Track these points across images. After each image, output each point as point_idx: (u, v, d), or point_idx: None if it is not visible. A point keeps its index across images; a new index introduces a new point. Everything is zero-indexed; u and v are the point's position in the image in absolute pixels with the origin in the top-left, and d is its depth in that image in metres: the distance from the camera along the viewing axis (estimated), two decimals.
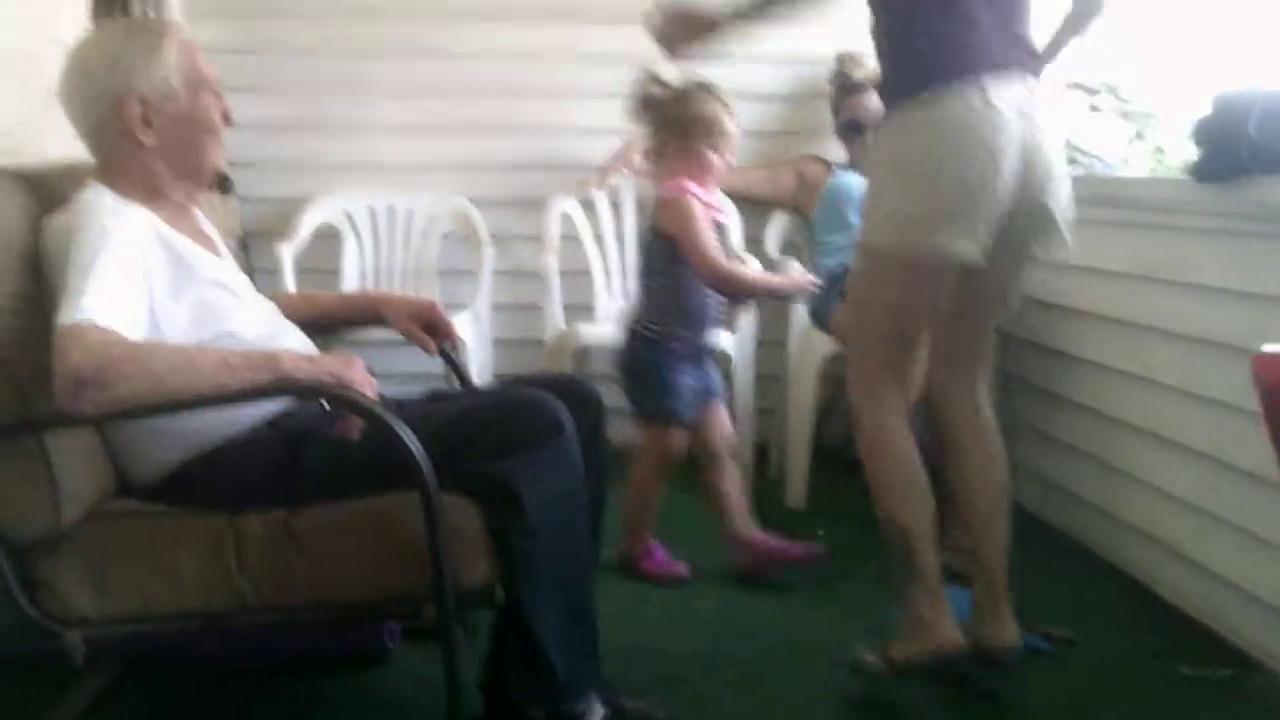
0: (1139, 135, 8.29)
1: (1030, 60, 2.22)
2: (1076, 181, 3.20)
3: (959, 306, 2.30)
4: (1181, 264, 2.72)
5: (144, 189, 2.00)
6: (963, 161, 2.10)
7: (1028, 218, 2.20)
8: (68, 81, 1.98)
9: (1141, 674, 2.50)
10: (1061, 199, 2.24)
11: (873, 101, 3.66)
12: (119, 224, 1.86)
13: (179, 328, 1.91)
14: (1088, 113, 7.67)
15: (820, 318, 3.40)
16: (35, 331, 1.82)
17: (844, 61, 3.82)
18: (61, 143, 2.67)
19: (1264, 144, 2.36)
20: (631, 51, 3.81)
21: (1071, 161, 5.30)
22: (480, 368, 3.71)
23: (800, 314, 3.61)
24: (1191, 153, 2.64)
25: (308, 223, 3.81)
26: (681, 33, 2.52)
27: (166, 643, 2.12)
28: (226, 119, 2.07)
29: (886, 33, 2.29)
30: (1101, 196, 3.04)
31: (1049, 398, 3.35)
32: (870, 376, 2.30)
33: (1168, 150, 6.62)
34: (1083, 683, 2.47)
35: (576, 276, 3.90)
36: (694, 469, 3.06)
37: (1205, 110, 2.52)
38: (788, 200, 3.90)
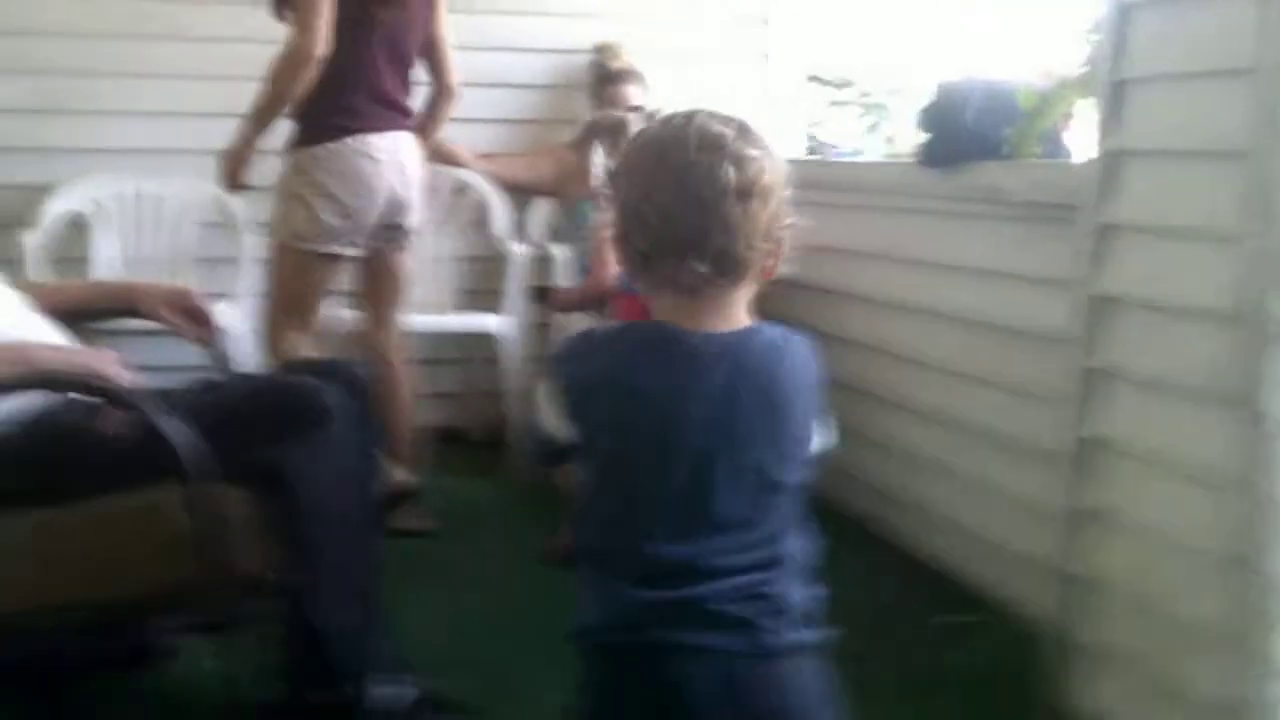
0: (873, 127, 8.81)
1: (405, 121, 3.08)
2: (817, 167, 3.46)
3: (369, 284, 3.26)
4: (911, 242, 2.94)
5: None
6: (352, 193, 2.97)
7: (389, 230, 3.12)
8: None
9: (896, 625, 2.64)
10: (411, 218, 3.15)
11: (629, 92, 3.80)
12: None
13: None
14: (829, 106, 8.10)
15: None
16: None
17: (602, 51, 3.94)
18: None
19: (980, 131, 2.59)
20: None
21: (812, 151, 5.62)
22: (246, 356, 3.62)
23: None
24: (919, 140, 2.86)
25: (53, 211, 3.63)
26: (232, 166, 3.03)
27: None
28: None
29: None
30: (838, 180, 3.26)
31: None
32: (278, 327, 3.12)
33: (897, 139, 7.10)
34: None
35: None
36: None
37: (929, 99, 2.74)
38: (548, 188, 3.98)
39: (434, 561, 2.96)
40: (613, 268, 2.78)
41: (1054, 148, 2.80)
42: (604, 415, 1.32)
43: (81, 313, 2.36)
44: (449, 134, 3.63)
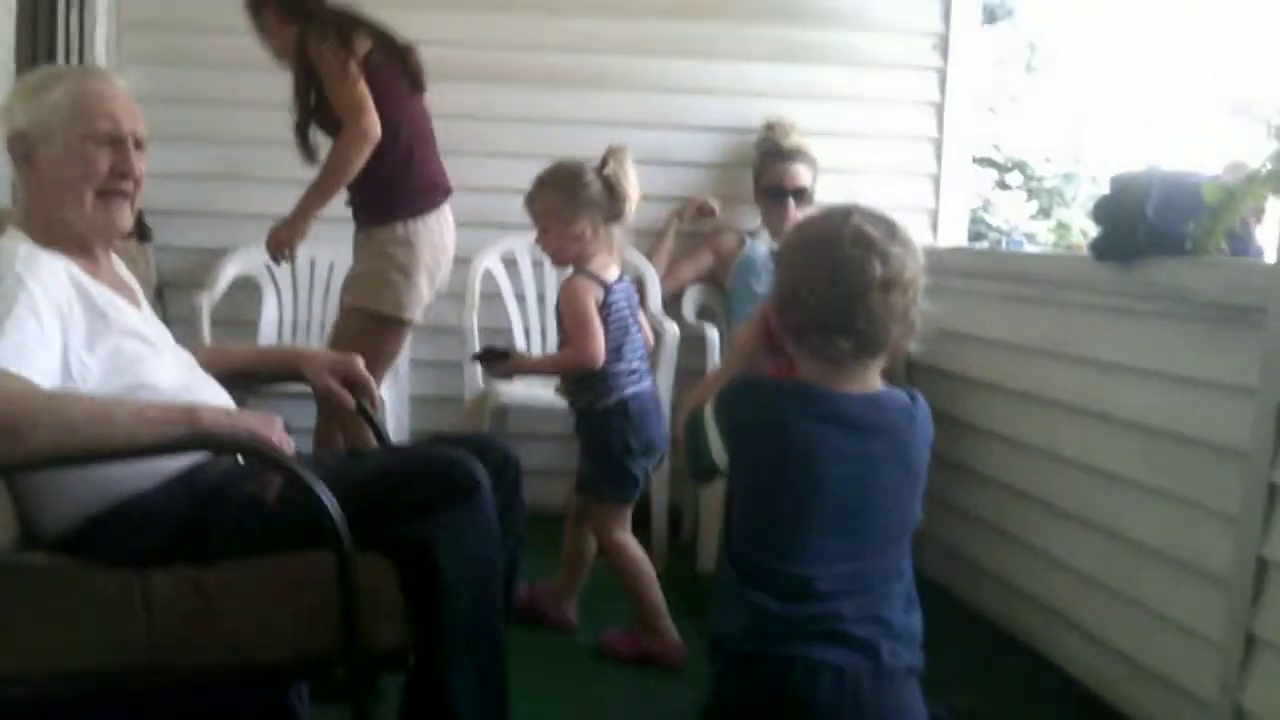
0: (1044, 211, 8.59)
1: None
2: (982, 256, 3.36)
3: None
4: (1083, 340, 2.81)
5: (53, 234, 1.99)
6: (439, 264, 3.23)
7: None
8: None
9: None
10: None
11: (797, 170, 3.77)
12: (33, 271, 1.85)
13: (93, 378, 1.89)
14: (996, 188, 7.95)
15: None
16: None
17: (772, 129, 3.93)
18: None
19: (1160, 226, 2.46)
20: (556, 115, 3.99)
21: (978, 236, 5.50)
22: (398, 425, 3.70)
23: None
24: (1090, 230, 2.73)
25: (226, 274, 3.78)
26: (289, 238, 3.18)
27: (68, 703, 2.07)
28: (123, 175, 2.01)
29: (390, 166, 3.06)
30: (1006, 271, 3.15)
31: (952, 468, 3.41)
32: None
33: (1071, 226, 6.88)
34: None
35: (497, 335, 3.91)
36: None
37: (1105, 190, 2.62)
38: (706, 275, 4.00)
39: (565, 645, 2.93)
40: (599, 344, 2.76)
41: (1241, 245, 2.66)
42: (757, 452, 1.60)
43: (248, 375, 2.44)
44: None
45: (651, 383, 2.93)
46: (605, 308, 2.79)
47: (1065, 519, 2.87)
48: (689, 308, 3.96)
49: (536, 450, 3.57)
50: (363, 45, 3.08)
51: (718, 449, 1.63)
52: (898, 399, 1.63)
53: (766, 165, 3.86)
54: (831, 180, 3.99)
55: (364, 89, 3.05)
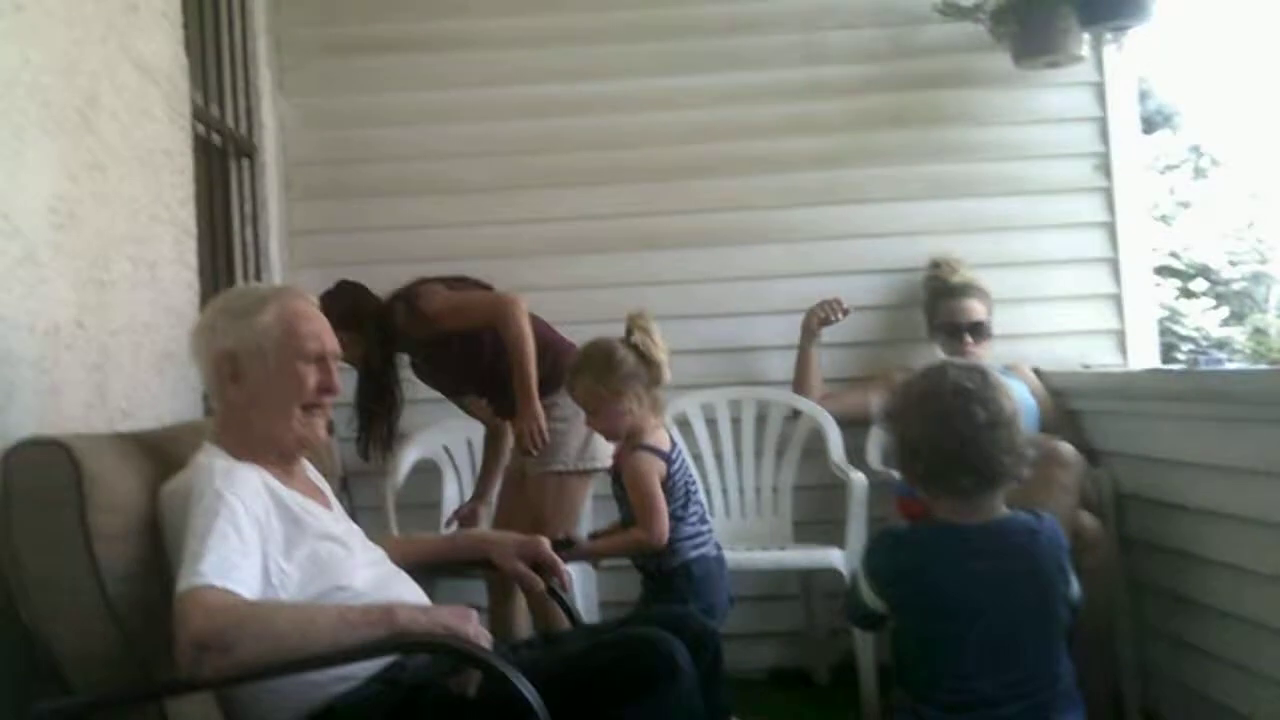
0: (1235, 316, 8.18)
1: None
2: (1182, 377, 3.17)
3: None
4: None
5: (251, 446, 2.05)
6: None
7: None
8: (195, 337, 2.11)
9: None
10: None
11: (970, 305, 3.68)
12: (231, 485, 1.89)
13: (292, 584, 1.92)
14: (1180, 297, 7.61)
15: None
16: (155, 598, 1.84)
17: (939, 266, 3.86)
18: (174, 404, 2.79)
19: None
20: (711, 274, 4.00)
21: (1169, 348, 5.26)
22: (585, 597, 3.65)
23: None
24: None
25: (408, 459, 3.84)
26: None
27: None
28: (327, 390, 2.10)
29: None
30: (1211, 391, 2.96)
31: (1179, 601, 3.19)
32: None
33: (1269, 331, 6.49)
34: None
35: None
36: None
37: None
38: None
39: None
40: (665, 521, 2.73)
41: None
42: (905, 596, 1.91)
43: (437, 564, 2.44)
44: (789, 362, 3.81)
45: (715, 545, 2.89)
46: (669, 478, 2.80)
47: None
48: (874, 454, 3.85)
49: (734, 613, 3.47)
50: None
51: (871, 598, 1.96)
52: (1021, 521, 1.93)
53: (938, 304, 3.79)
54: (1011, 310, 3.91)
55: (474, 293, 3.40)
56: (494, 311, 3.27)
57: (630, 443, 2.84)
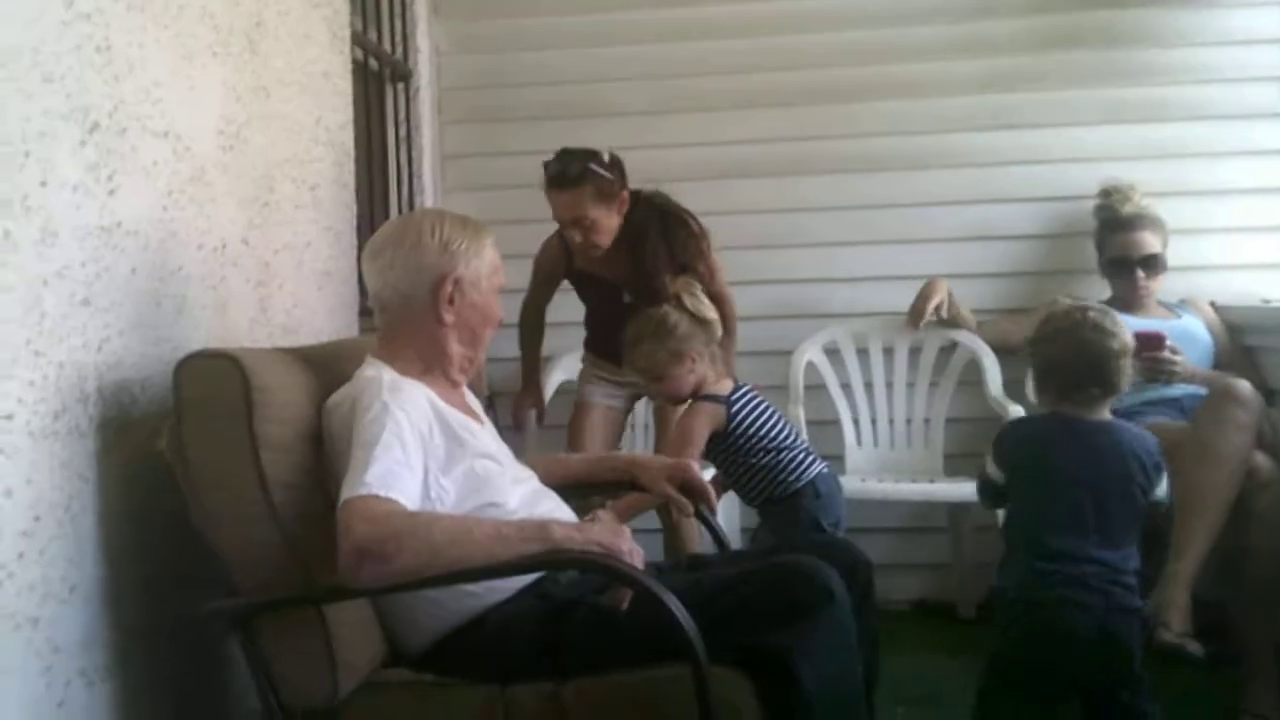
0: None
1: None
2: None
3: None
4: None
5: (424, 363, 2.09)
6: None
7: None
8: (395, 248, 2.09)
9: None
10: None
11: (1142, 238, 3.51)
12: (398, 399, 1.92)
13: (449, 499, 1.95)
14: None
15: None
16: (317, 507, 1.88)
17: (1110, 195, 3.68)
18: (331, 321, 2.85)
19: None
20: (871, 200, 3.92)
21: None
22: (727, 523, 3.63)
23: None
24: None
25: (552, 381, 3.88)
26: None
27: None
28: (500, 322, 2.20)
29: None
30: None
31: None
32: None
33: None
34: None
35: (825, 427, 3.82)
36: None
37: None
38: None
39: None
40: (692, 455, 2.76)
41: None
42: (1023, 461, 2.42)
43: (585, 485, 2.46)
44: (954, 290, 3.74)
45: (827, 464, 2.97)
46: (733, 420, 2.85)
47: None
48: (1031, 389, 3.72)
49: (875, 544, 3.42)
50: None
51: (994, 470, 2.46)
52: (1119, 425, 2.43)
53: (1107, 235, 3.61)
54: (1187, 241, 3.72)
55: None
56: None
57: (696, 397, 2.90)
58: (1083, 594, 2.22)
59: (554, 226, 3.48)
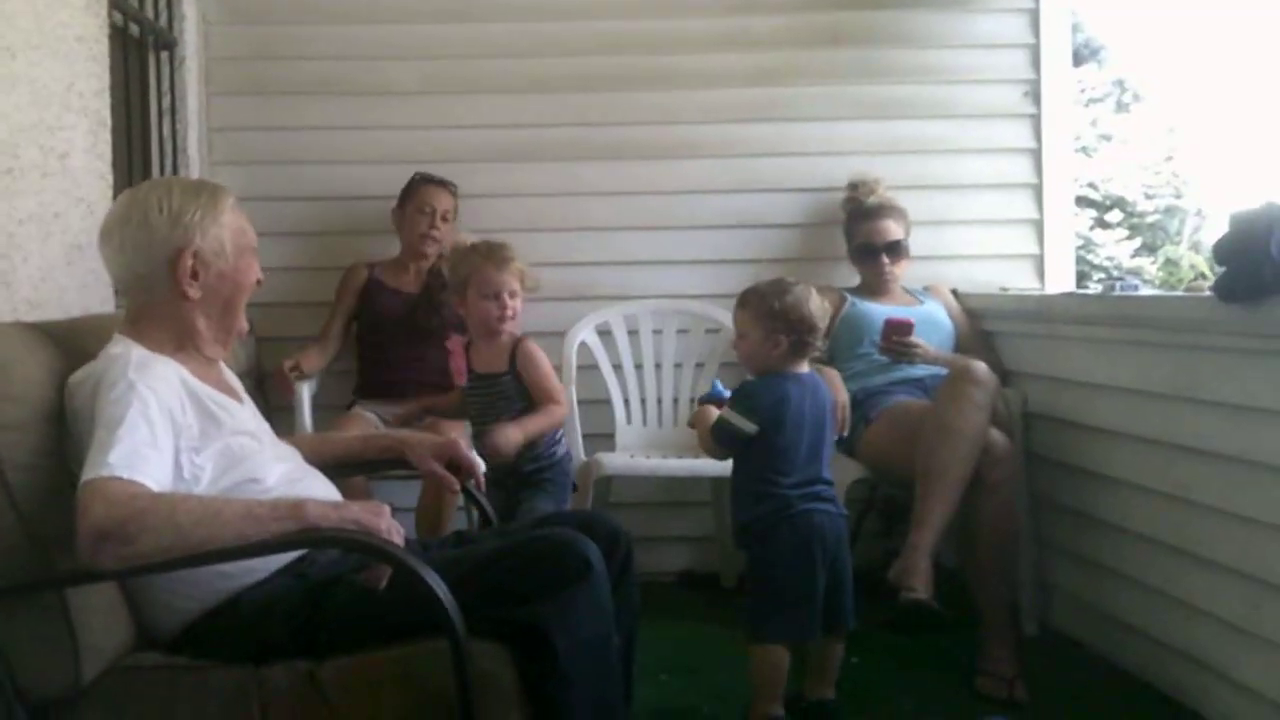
0: (1147, 248, 8.34)
1: None
2: (1098, 301, 3.26)
3: None
4: (1214, 383, 2.68)
5: (175, 340, 2.03)
6: None
7: None
8: (122, 229, 2.01)
9: None
10: None
11: (885, 226, 3.71)
12: (146, 377, 1.86)
13: (205, 477, 1.91)
14: (1095, 227, 7.75)
15: (846, 442, 3.37)
16: (58, 489, 1.81)
17: (857, 187, 3.87)
18: (82, 297, 2.73)
19: None
20: (640, 186, 4.00)
21: (1081, 276, 5.33)
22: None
23: None
24: (1200, 266, 2.63)
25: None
26: None
27: None
28: (259, 283, 2.14)
29: None
30: (1125, 316, 3.03)
31: (1080, 518, 3.29)
32: None
33: (1181, 263, 6.64)
34: None
35: (596, 405, 3.89)
36: None
37: (1224, 229, 2.51)
38: None
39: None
40: None
41: None
42: (777, 415, 2.63)
43: (352, 463, 2.44)
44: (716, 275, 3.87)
45: None
46: None
47: (1205, 566, 2.74)
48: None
49: (638, 517, 3.52)
50: None
51: (744, 423, 2.63)
52: (813, 373, 2.76)
53: (855, 224, 3.81)
54: (932, 232, 3.95)
55: None
56: None
57: None
58: (825, 504, 2.63)
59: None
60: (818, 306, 2.68)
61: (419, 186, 3.79)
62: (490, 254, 3.08)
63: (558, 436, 3.15)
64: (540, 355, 3.10)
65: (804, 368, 2.71)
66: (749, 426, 2.62)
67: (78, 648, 1.81)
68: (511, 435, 2.95)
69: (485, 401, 3.11)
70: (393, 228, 3.86)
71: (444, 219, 3.77)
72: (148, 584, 1.91)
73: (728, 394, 2.78)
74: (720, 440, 2.68)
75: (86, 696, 1.84)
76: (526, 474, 3.01)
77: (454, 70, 4.03)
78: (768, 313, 2.65)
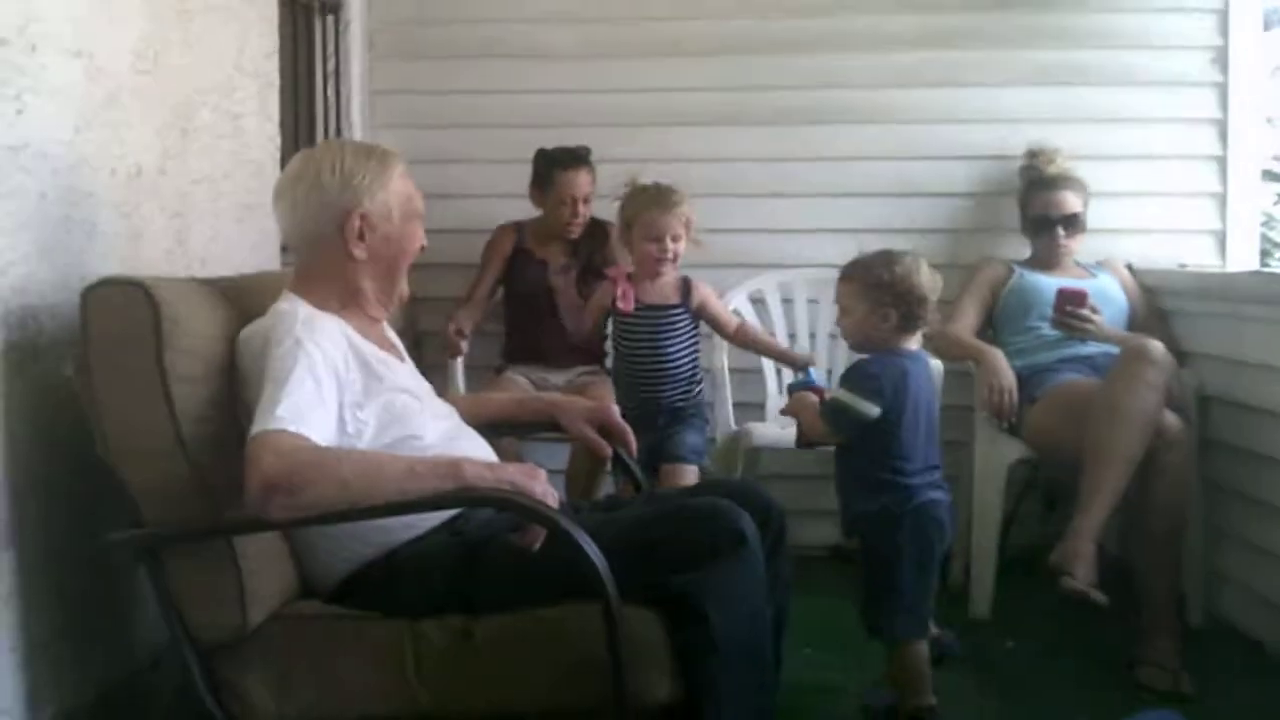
0: None
1: None
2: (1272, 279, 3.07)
3: None
4: None
5: (340, 299, 2.07)
6: None
7: None
8: (295, 188, 2.05)
9: None
10: None
11: (1064, 198, 3.56)
12: (312, 334, 1.90)
13: (368, 432, 1.94)
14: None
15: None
16: (229, 440, 1.86)
17: (1036, 155, 3.73)
18: (252, 256, 2.81)
19: None
20: (800, 153, 3.92)
21: (1265, 254, 5.05)
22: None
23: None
24: None
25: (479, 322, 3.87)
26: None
27: None
28: (423, 248, 2.16)
29: None
30: None
31: (1255, 505, 3.12)
32: None
33: None
34: None
35: (747, 375, 3.85)
36: None
37: None
38: None
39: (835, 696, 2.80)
40: None
41: None
42: (899, 395, 2.49)
43: (506, 424, 2.46)
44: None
45: None
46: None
47: None
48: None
49: (788, 490, 3.47)
50: None
51: (866, 406, 2.48)
52: (923, 351, 2.64)
53: (1032, 194, 3.65)
54: (1108, 205, 3.77)
55: None
56: None
57: None
58: (942, 493, 2.55)
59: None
60: (928, 277, 2.55)
61: (557, 174, 3.71)
62: (658, 197, 3.15)
63: (699, 375, 3.27)
64: (712, 291, 3.29)
65: (915, 344, 2.59)
66: (871, 409, 2.48)
67: (244, 595, 1.86)
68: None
69: (650, 333, 3.21)
70: (534, 205, 3.84)
71: (585, 201, 3.73)
72: (310, 536, 1.96)
73: (819, 382, 2.71)
74: (838, 426, 2.55)
75: (251, 642, 1.89)
76: (675, 410, 3.04)
77: (611, 34, 4.01)
78: (875, 284, 2.54)
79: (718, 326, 3.35)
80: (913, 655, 2.54)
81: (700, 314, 3.28)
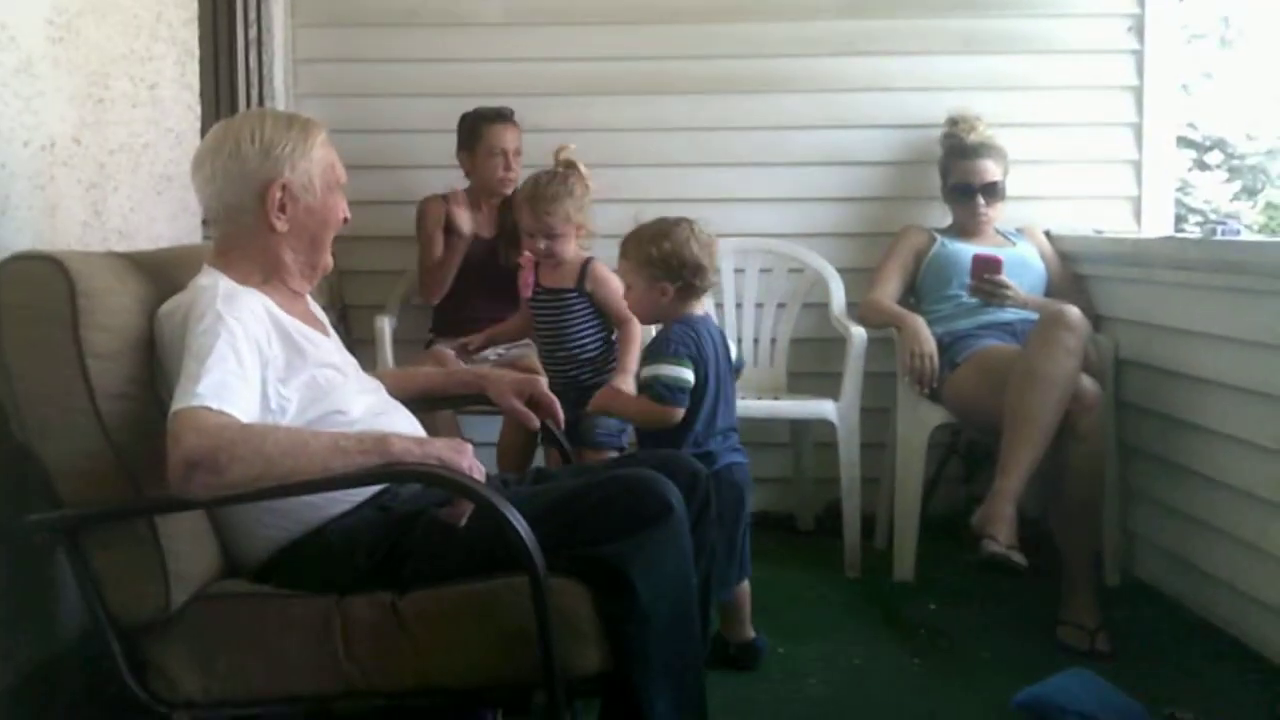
0: (1247, 191, 8.06)
1: None
2: (1198, 245, 3.14)
3: None
4: None
5: (262, 273, 2.04)
6: None
7: None
8: (214, 158, 2.01)
9: None
10: None
11: (984, 166, 3.61)
12: (233, 309, 1.87)
13: (292, 408, 1.93)
14: (1194, 169, 7.50)
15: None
16: (149, 417, 1.84)
17: (956, 124, 3.76)
18: (171, 228, 2.76)
19: None
20: (727, 122, 3.93)
21: (1178, 220, 5.16)
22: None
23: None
24: None
25: (399, 293, 3.85)
26: None
27: None
28: (345, 220, 2.13)
29: None
30: (1227, 262, 2.92)
31: (1170, 468, 3.21)
32: None
33: None
34: None
35: None
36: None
37: None
38: None
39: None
40: None
41: None
42: (707, 364, 2.57)
43: (434, 398, 2.45)
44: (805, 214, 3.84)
45: None
46: None
47: None
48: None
49: None
50: None
51: (691, 375, 2.54)
52: (709, 315, 2.72)
53: (952, 162, 3.70)
54: (1026, 171, 3.82)
55: None
56: None
57: None
58: (739, 455, 2.66)
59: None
60: (702, 244, 2.58)
61: (484, 127, 3.67)
62: (533, 194, 3.09)
63: (612, 355, 3.19)
64: (610, 275, 3.07)
65: (700, 309, 2.63)
66: (690, 374, 2.54)
67: (167, 575, 1.84)
68: (626, 387, 2.92)
69: (553, 317, 3.18)
70: (460, 169, 3.79)
71: (516, 154, 3.69)
72: (235, 513, 1.94)
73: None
74: (673, 399, 2.54)
75: (175, 622, 1.88)
76: (588, 390, 3.01)
77: (537, 3, 3.98)
78: (646, 261, 2.58)
79: (607, 315, 3.16)
80: (725, 607, 2.70)
81: (593, 299, 3.15)
